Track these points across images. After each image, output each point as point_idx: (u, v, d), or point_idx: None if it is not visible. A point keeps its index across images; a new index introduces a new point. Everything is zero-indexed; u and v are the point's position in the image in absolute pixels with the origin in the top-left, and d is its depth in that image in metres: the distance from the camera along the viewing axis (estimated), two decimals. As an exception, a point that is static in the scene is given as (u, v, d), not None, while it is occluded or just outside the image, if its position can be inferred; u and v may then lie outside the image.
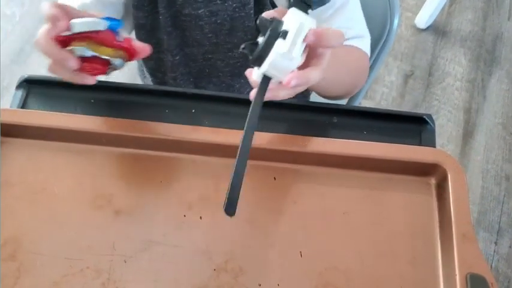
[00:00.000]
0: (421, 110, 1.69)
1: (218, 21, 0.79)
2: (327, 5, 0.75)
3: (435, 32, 1.84)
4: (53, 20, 0.59)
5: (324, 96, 0.82)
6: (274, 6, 0.79)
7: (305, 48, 0.56)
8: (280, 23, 0.55)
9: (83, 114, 0.70)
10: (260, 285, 0.60)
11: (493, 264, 1.44)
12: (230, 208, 0.55)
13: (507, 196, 1.55)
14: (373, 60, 0.96)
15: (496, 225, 1.50)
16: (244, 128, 0.56)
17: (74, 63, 0.59)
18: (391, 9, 0.91)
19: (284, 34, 0.54)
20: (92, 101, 0.73)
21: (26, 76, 0.75)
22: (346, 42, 0.77)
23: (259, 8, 0.79)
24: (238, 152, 0.56)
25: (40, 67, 1.73)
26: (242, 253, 0.62)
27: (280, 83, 0.57)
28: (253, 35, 0.79)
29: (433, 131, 0.73)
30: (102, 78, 0.65)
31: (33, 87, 0.75)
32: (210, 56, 0.84)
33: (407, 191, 0.67)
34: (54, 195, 0.66)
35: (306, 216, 0.65)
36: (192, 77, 0.88)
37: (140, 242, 0.63)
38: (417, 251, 0.63)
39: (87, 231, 0.63)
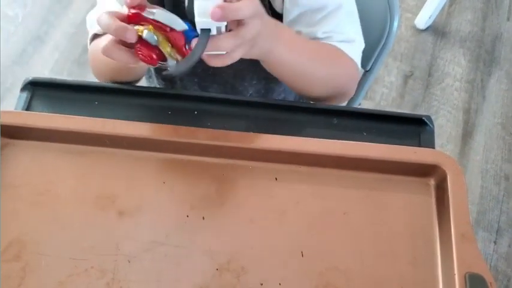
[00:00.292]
0: (420, 111, 1.70)
1: None
2: (317, 8, 0.76)
3: (435, 33, 1.85)
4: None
5: (303, 95, 0.82)
6: (272, 8, 0.80)
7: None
8: None
9: (87, 116, 0.70)
10: (262, 284, 0.61)
11: (492, 264, 1.45)
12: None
13: (506, 196, 1.56)
14: (373, 61, 0.97)
15: (496, 224, 1.51)
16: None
17: (133, 35, 0.58)
18: (390, 11, 0.92)
19: None
20: (96, 102, 0.74)
21: (30, 78, 0.76)
22: (333, 44, 0.76)
23: None
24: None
25: (43, 68, 1.76)
26: (244, 253, 0.63)
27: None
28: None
29: (432, 132, 0.73)
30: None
31: (38, 90, 0.75)
32: None
33: (407, 191, 0.68)
34: (58, 197, 0.67)
35: (307, 217, 0.66)
36: (197, 77, 0.88)
37: (143, 242, 0.63)
38: (417, 251, 0.64)
39: (91, 231, 0.64)
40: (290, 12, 0.77)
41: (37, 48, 1.79)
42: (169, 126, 0.69)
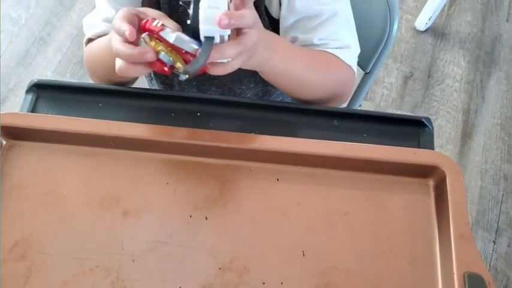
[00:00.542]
0: (420, 111, 1.70)
1: None
2: (313, 15, 0.77)
3: (434, 34, 1.86)
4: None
5: (299, 101, 0.83)
6: (268, 14, 0.80)
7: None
8: None
9: (91, 117, 0.71)
10: (264, 283, 0.62)
11: (492, 263, 1.46)
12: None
13: (505, 196, 1.57)
14: (373, 64, 0.98)
15: (495, 224, 1.52)
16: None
17: (153, 56, 0.62)
18: (390, 13, 0.93)
19: None
20: (100, 104, 0.75)
21: (35, 81, 0.77)
22: (328, 51, 0.77)
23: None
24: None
25: (46, 69, 1.76)
26: (246, 252, 0.64)
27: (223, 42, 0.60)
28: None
29: (431, 134, 0.74)
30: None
31: (43, 92, 0.76)
32: None
33: (407, 192, 0.68)
34: (63, 197, 0.67)
35: (308, 217, 0.67)
36: (195, 80, 0.89)
37: (147, 242, 0.64)
38: (416, 250, 0.64)
39: (96, 231, 0.65)
40: (287, 19, 0.78)
41: (40, 49, 1.80)
42: (173, 127, 0.70)
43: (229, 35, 0.60)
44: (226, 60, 0.61)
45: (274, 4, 0.79)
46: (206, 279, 0.62)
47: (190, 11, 0.59)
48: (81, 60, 1.76)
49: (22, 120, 0.71)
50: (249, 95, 0.91)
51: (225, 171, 0.69)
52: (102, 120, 0.71)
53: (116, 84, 0.79)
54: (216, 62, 0.61)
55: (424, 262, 0.64)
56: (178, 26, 0.64)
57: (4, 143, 0.71)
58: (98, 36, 0.83)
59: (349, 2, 0.80)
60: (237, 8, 0.60)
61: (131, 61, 0.63)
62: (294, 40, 0.79)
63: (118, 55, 0.64)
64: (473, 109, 1.72)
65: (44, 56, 1.79)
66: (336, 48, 0.78)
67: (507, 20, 1.90)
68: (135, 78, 0.83)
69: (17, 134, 0.71)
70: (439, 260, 0.64)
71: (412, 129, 0.75)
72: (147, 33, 0.63)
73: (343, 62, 0.78)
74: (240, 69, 0.86)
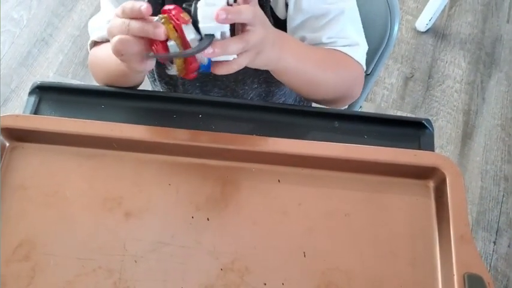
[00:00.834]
0: (421, 112, 1.71)
1: None
2: (320, 14, 0.77)
3: (435, 35, 1.86)
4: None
5: (310, 99, 0.83)
6: (274, 15, 0.81)
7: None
8: None
9: (94, 119, 0.72)
10: (265, 284, 0.63)
11: (492, 264, 1.46)
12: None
13: (506, 196, 1.57)
14: (374, 64, 0.98)
15: (495, 225, 1.52)
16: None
17: (162, 35, 0.60)
18: (391, 15, 0.93)
19: None
20: (103, 106, 0.76)
21: (38, 83, 0.77)
22: (337, 49, 0.78)
23: None
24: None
25: (47, 70, 1.77)
26: (248, 253, 0.64)
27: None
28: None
29: (431, 136, 0.75)
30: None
31: (45, 94, 0.77)
32: None
33: (407, 193, 0.69)
34: (66, 198, 0.68)
35: (309, 218, 0.67)
36: (198, 81, 0.90)
37: (150, 242, 0.65)
38: (417, 251, 0.65)
39: (99, 232, 0.66)
40: (294, 19, 0.79)
41: (42, 50, 1.81)
42: (175, 129, 0.71)
43: (231, 29, 0.60)
44: (232, 58, 0.61)
45: (280, 5, 0.80)
46: (208, 279, 0.63)
47: (192, 10, 0.60)
48: (83, 60, 1.77)
49: (25, 122, 0.72)
50: (251, 95, 0.92)
51: (227, 172, 0.70)
52: (105, 122, 0.71)
53: (121, 86, 0.79)
54: (221, 62, 0.61)
55: (424, 263, 0.64)
56: None
57: (7, 144, 0.71)
58: (103, 39, 0.84)
59: (355, 0, 0.80)
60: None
61: (137, 32, 0.61)
62: (302, 40, 0.80)
63: (127, 28, 0.62)
64: (473, 110, 1.72)
65: (46, 57, 1.79)
66: (345, 46, 0.78)
67: (507, 21, 1.91)
68: (140, 82, 0.84)
69: (20, 135, 0.71)
70: (439, 260, 0.64)
71: (412, 130, 0.75)
72: (166, 15, 0.61)
73: (353, 59, 0.78)
74: (243, 70, 0.87)
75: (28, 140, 0.72)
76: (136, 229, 0.66)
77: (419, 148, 0.73)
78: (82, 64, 1.76)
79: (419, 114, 1.69)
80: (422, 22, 1.84)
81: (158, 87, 0.99)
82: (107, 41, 0.82)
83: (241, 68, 0.62)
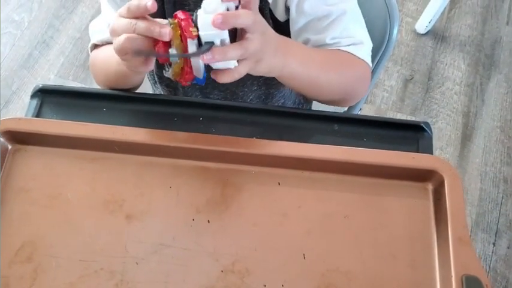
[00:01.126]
0: (420, 114, 1.71)
1: None
2: (323, 15, 0.78)
3: (435, 37, 1.87)
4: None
5: (316, 100, 0.84)
6: (273, 17, 0.82)
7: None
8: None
9: (96, 122, 0.72)
10: (265, 285, 0.63)
11: (491, 265, 1.47)
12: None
13: (505, 198, 1.57)
14: (374, 67, 0.99)
15: (494, 226, 1.53)
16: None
17: (167, 36, 0.60)
18: (390, 18, 0.94)
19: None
20: (104, 109, 0.76)
21: (40, 86, 0.78)
22: (341, 49, 0.78)
23: None
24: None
25: (48, 72, 1.78)
26: (248, 255, 0.65)
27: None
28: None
29: (430, 138, 0.75)
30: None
31: (47, 97, 0.77)
32: None
33: (406, 196, 0.69)
34: (68, 201, 0.68)
35: (308, 220, 0.68)
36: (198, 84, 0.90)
37: (151, 244, 0.65)
38: (415, 253, 0.65)
39: (100, 234, 0.66)
40: (297, 22, 0.80)
41: (43, 52, 1.81)
42: (176, 132, 0.71)
43: (232, 36, 0.61)
44: (233, 67, 0.62)
45: (279, 7, 0.80)
46: (208, 281, 0.63)
47: (194, 17, 0.61)
48: (84, 63, 1.77)
49: (27, 125, 0.72)
50: (251, 97, 0.92)
51: (227, 175, 0.70)
52: (107, 125, 0.72)
53: (121, 90, 0.80)
54: (222, 70, 0.62)
55: (423, 264, 0.65)
56: None
57: (10, 147, 0.72)
58: (103, 42, 0.85)
59: (356, 0, 0.81)
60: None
61: (143, 31, 0.62)
62: (306, 42, 0.81)
63: (134, 27, 0.62)
64: (473, 112, 1.73)
65: (47, 59, 1.80)
66: (349, 45, 0.79)
67: (507, 23, 1.91)
68: (139, 84, 0.84)
69: (22, 138, 0.72)
70: (437, 262, 0.65)
71: (411, 133, 0.76)
72: (177, 21, 0.61)
73: (358, 58, 0.79)
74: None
75: (30, 143, 0.72)
76: (137, 231, 0.66)
77: (418, 151, 0.74)
78: (83, 66, 1.77)
79: (419, 116, 1.70)
80: (422, 24, 1.85)
81: (159, 90, 1.00)
82: (107, 43, 0.83)
83: (241, 76, 0.63)
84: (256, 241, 0.66)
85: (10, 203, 0.68)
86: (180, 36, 0.61)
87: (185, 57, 0.62)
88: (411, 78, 1.78)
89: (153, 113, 0.77)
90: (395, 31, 0.95)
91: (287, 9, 0.81)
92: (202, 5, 0.60)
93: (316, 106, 0.90)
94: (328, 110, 0.82)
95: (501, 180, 1.60)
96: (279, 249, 0.66)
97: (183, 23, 0.61)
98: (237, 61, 0.62)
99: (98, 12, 0.87)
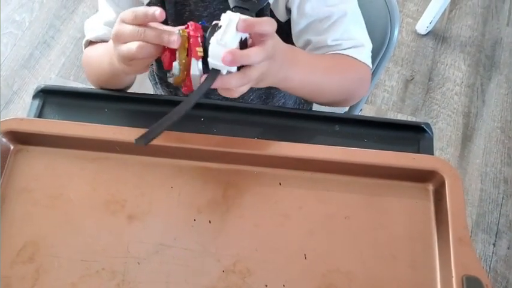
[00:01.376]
0: (421, 115, 1.71)
1: None
2: (324, 17, 0.78)
3: (435, 38, 1.87)
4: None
5: (316, 103, 0.84)
6: (274, 17, 0.81)
7: (245, 39, 0.61)
8: (217, 25, 0.60)
9: (97, 123, 0.72)
10: (266, 286, 0.63)
11: (492, 265, 1.47)
12: (141, 140, 0.60)
13: (505, 199, 1.58)
14: (375, 68, 0.99)
15: (495, 227, 1.53)
16: (186, 100, 0.61)
17: (176, 43, 0.61)
18: (391, 20, 0.94)
19: (218, 28, 0.60)
20: (106, 110, 0.76)
21: (42, 86, 0.78)
22: (342, 52, 0.79)
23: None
24: (175, 110, 0.61)
25: (49, 72, 1.78)
26: (249, 255, 0.65)
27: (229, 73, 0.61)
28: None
29: (431, 139, 0.75)
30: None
31: (49, 97, 0.78)
32: None
33: (406, 196, 0.70)
34: (70, 201, 0.69)
35: (309, 221, 0.68)
36: (200, 84, 0.91)
37: (152, 245, 0.66)
38: (416, 254, 0.66)
39: (102, 234, 0.66)
40: (298, 23, 0.80)
41: (44, 52, 1.82)
42: (177, 133, 0.71)
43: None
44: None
45: (280, 8, 0.81)
46: (210, 281, 0.63)
47: (206, 39, 0.60)
48: (85, 63, 1.78)
49: (29, 126, 0.73)
50: (252, 97, 0.93)
51: (229, 175, 0.71)
52: (108, 126, 0.72)
53: (112, 88, 0.80)
54: (224, 89, 0.63)
55: (424, 265, 0.65)
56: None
57: (12, 147, 0.72)
58: (98, 39, 0.85)
59: (356, 1, 0.81)
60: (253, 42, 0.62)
61: (153, 39, 0.62)
62: (307, 43, 0.81)
63: (143, 34, 0.62)
64: (473, 112, 1.73)
65: (48, 59, 1.80)
66: (350, 47, 0.79)
67: (507, 24, 1.91)
68: (130, 84, 0.85)
69: (24, 138, 0.72)
70: (438, 263, 0.65)
71: (412, 134, 0.76)
72: (187, 34, 0.61)
73: (359, 61, 0.80)
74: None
75: (32, 143, 0.72)
76: (139, 231, 0.67)
77: (419, 151, 0.74)
78: (84, 67, 1.77)
79: (420, 117, 1.70)
80: (423, 25, 1.85)
81: (160, 90, 1.00)
82: (102, 41, 0.83)
83: (242, 93, 0.64)
84: (258, 241, 0.66)
85: (12, 203, 0.68)
86: (187, 49, 0.61)
87: (199, 94, 0.61)
88: (412, 79, 1.79)
89: (154, 113, 0.76)
90: (396, 32, 0.95)
91: (288, 10, 0.81)
92: (216, 34, 0.59)
93: (317, 106, 0.90)
94: (329, 111, 0.82)
95: (501, 181, 1.60)
96: (280, 250, 0.66)
97: (191, 40, 0.61)
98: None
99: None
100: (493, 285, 1.35)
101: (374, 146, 0.73)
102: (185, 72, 0.63)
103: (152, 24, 0.63)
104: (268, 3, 0.79)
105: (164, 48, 0.63)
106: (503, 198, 1.58)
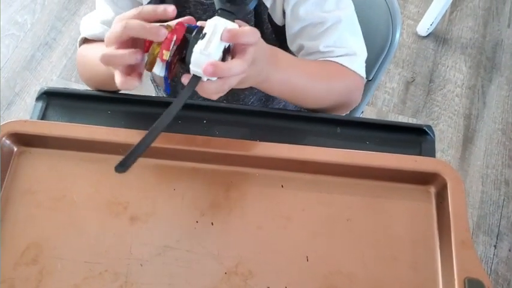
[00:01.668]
0: (421, 116, 1.72)
1: None
2: (318, 22, 0.78)
3: (436, 39, 1.87)
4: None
5: (301, 107, 0.83)
6: (272, 22, 0.82)
7: (229, 48, 0.61)
8: (203, 29, 0.60)
9: (100, 125, 0.72)
10: (269, 287, 0.64)
11: (493, 267, 1.47)
12: (120, 167, 0.59)
13: (507, 200, 1.58)
14: (376, 70, 0.99)
15: (496, 228, 1.53)
16: (166, 111, 0.61)
17: (164, 33, 0.60)
18: (393, 22, 0.94)
19: (203, 36, 0.59)
20: (109, 112, 0.77)
21: (45, 88, 0.78)
22: (334, 60, 0.78)
23: (259, 24, 0.82)
24: (153, 126, 0.60)
25: (51, 74, 1.78)
26: (252, 257, 0.65)
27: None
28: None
29: (432, 142, 0.75)
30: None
31: (53, 99, 0.78)
32: None
33: (408, 199, 0.70)
34: (73, 203, 0.69)
35: (311, 223, 0.68)
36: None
37: (155, 247, 0.66)
38: (418, 256, 0.66)
39: (105, 236, 0.67)
40: (292, 27, 0.80)
41: (45, 54, 1.82)
42: (180, 135, 0.72)
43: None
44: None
45: (277, 12, 0.81)
46: (212, 283, 0.64)
47: (189, 44, 0.60)
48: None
49: (32, 128, 0.73)
50: (252, 100, 0.93)
51: (231, 177, 0.71)
52: (111, 128, 0.72)
53: (106, 89, 0.80)
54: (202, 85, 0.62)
55: (425, 267, 0.65)
56: None
57: (15, 149, 0.72)
58: (94, 38, 0.84)
59: (353, 8, 0.80)
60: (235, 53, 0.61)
61: (147, 32, 0.61)
62: (300, 48, 0.81)
63: (141, 27, 0.61)
64: (474, 114, 1.73)
65: (50, 61, 1.81)
66: (342, 55, 0.78)
67: (508, 26, 1.92)
68: None
69: (27, 140, 0.72)
70: (439, 265, 0.65)
71: (413, 137, 0.76)
72: (172, 28, 0.61)
73: (350, 69, 0.79)
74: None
75: (35, 145, 0.73)
76: (142, 233, 0.67)
77: (421, 154, 0.74)
78: (85, 68, 1.78)
79: (420, 119, 1.70)
80: (424, 27, 1.85)
81: (161, 92, 1.00)
82: (98, 39, 0.83)
83: (221, 95, 0.63)
84: (260, 243, 0.67)
85: (15, 205, 0.69)
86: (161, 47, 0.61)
87: (180, 102, 0.61)
88: (413, 81, 1.79)
89: (157, 115, 0.76)
90: (397, 35, 0.95)
91: (284, 13, 0.81)
92: (199, 43, 0.59)
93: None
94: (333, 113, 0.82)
95: (502, 183, 1.61)
96: (282, 252, 0.66)
97: (164, 41, 0.60)
98: None
99: (100, 14, 0.88)
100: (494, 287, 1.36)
101: (376, 148, 0.73)
102: (151, 66, 0.62)
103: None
104: (266, 7, 0.80)
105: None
106: (504, 200, 1.58)
